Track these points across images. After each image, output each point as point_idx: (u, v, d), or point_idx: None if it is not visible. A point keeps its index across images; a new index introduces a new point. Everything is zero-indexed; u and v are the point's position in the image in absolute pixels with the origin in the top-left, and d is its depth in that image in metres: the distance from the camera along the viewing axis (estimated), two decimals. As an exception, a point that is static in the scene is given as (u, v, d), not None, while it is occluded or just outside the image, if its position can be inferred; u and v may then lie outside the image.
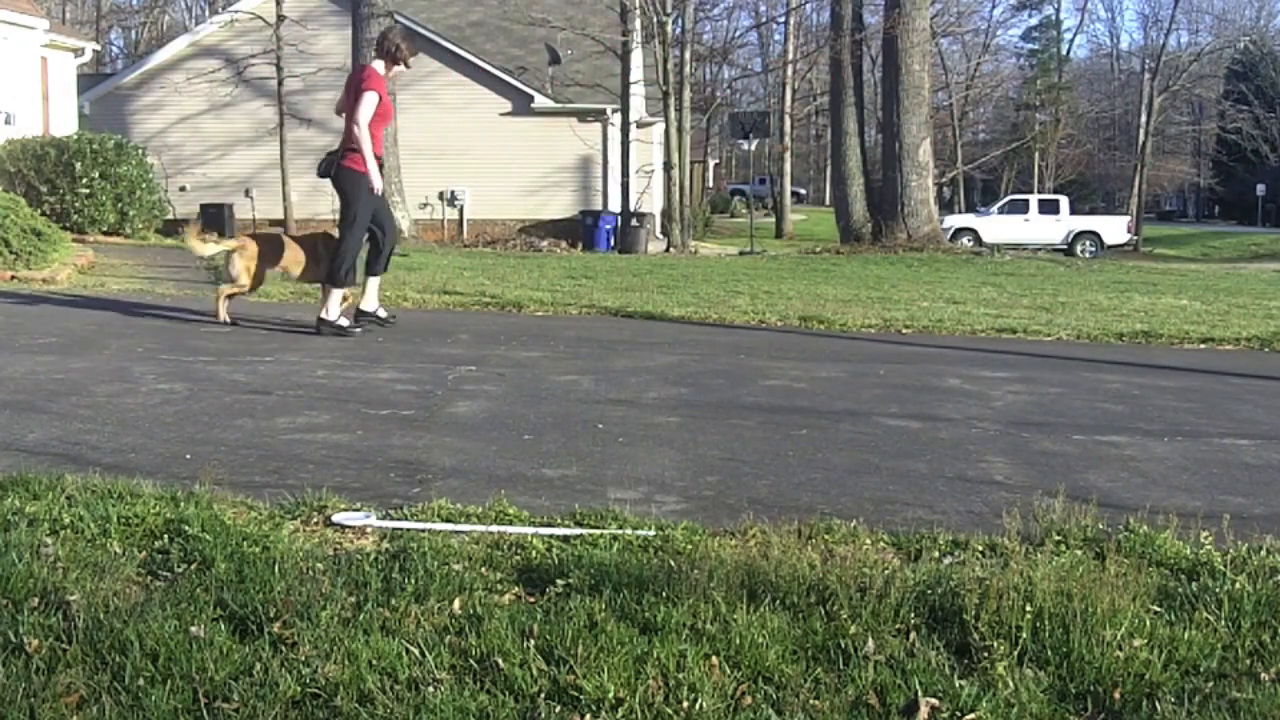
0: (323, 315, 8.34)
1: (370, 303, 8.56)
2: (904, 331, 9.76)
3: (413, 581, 3.31)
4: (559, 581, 3.37)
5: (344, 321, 8.34)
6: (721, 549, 3.64)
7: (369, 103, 7.90)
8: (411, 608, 3.16)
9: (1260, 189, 59.01)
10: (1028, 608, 3.12)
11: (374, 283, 8.59)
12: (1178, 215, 72.96)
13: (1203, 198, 70.89)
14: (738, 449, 5.25)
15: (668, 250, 24.54)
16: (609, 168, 26.22)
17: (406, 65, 8.21)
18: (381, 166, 8.20)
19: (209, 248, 9.30)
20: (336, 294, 8.31)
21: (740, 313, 10.64)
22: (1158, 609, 3.28)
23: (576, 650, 2.89)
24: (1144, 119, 47.39)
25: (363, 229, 8.19)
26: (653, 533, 3.85)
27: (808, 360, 8.00)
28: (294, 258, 8.69)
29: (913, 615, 3.19)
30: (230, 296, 8.84)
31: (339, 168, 8.06)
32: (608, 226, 24.32)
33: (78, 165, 18.60)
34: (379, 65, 8.17)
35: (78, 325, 8.80)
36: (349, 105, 8.07)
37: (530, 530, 3.87)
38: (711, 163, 57.70)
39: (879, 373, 7.52)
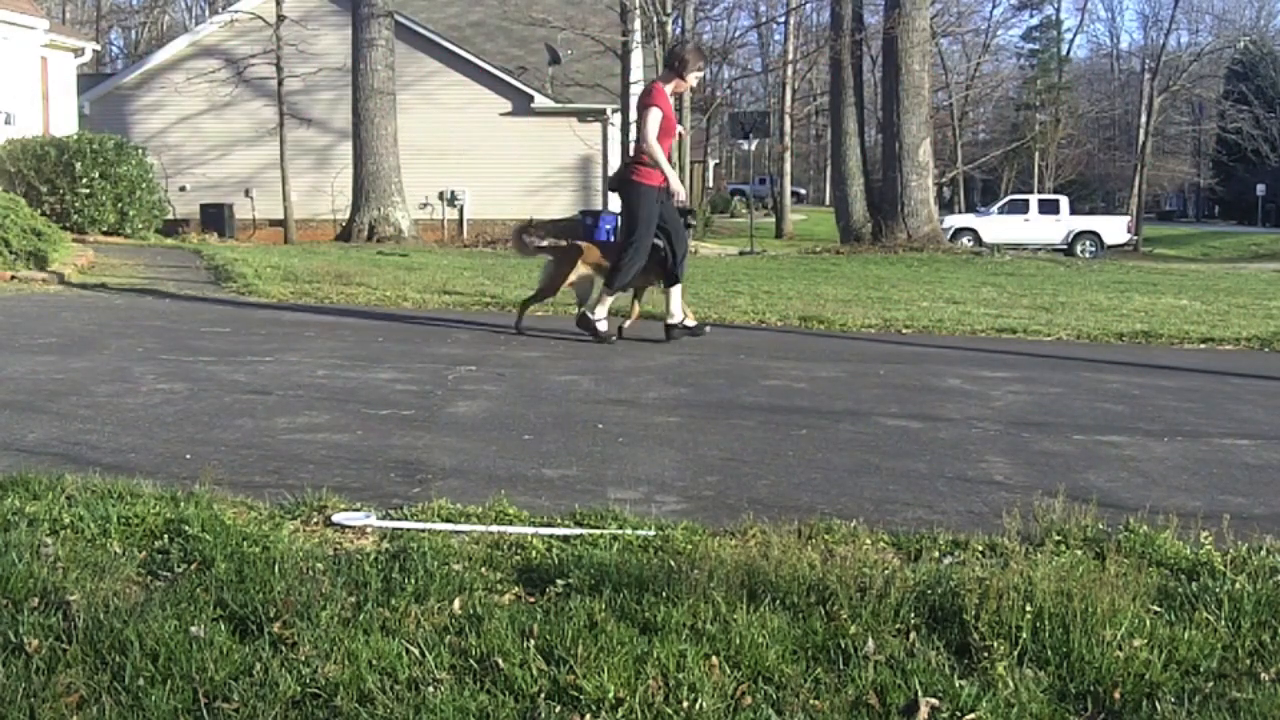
0: (586, 311, 8.37)
1: (676, 314, 8.48)
2: (904, 331, 9.76)
3: (413, 581, 3.31)
4: (559, 581, 3.37)
5: (603, 326, 8.33)
6: (721, 549, 3.64)
7: (651, 119, 8.00)
8: (411, 608, 3.16)
9: (1260, 189, 59.02)
10: (1028, 608, 3.12)
11: (675, 292, 8.47)
12: (1178, 215, 72.97)
13: (1203, 198, 70.90)
14: (738, 449, 5.25)
15: (668, 250, 24.54)
16: (609, 168, 26.23)
17: (683, 79, 8.17)
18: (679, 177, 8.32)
19: (537, 255, 9.18)
20: (608, 298, 8.35)
21: (740, 313, 10.64)
22: (1158, 609, 3.28)
23: (576, 650, 2.89)
24: (1144, 119, 47.39)
25: (646, 239, 8.15)
26: (653, 533, 3.84)
27: (808, 360, 8.00)
28: (597, 264, 8.57)
29: (913, 615, 3.18)
30: (529, 302, 8.91)
31: (625, 180, 8.17)
32: (608, 226, 24.31)
33: (78, 165, 18.62)
34: (665, 81, 8.24)
35: (78, 325, 8.81)
36: (638, 122, 8.27)
37: (530, 530, 3.87)
38: (711, 163, 57.69)
39: (879, 373, 7.52)
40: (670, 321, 8.46)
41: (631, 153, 8.20)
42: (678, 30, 27.38)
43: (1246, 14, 66.56)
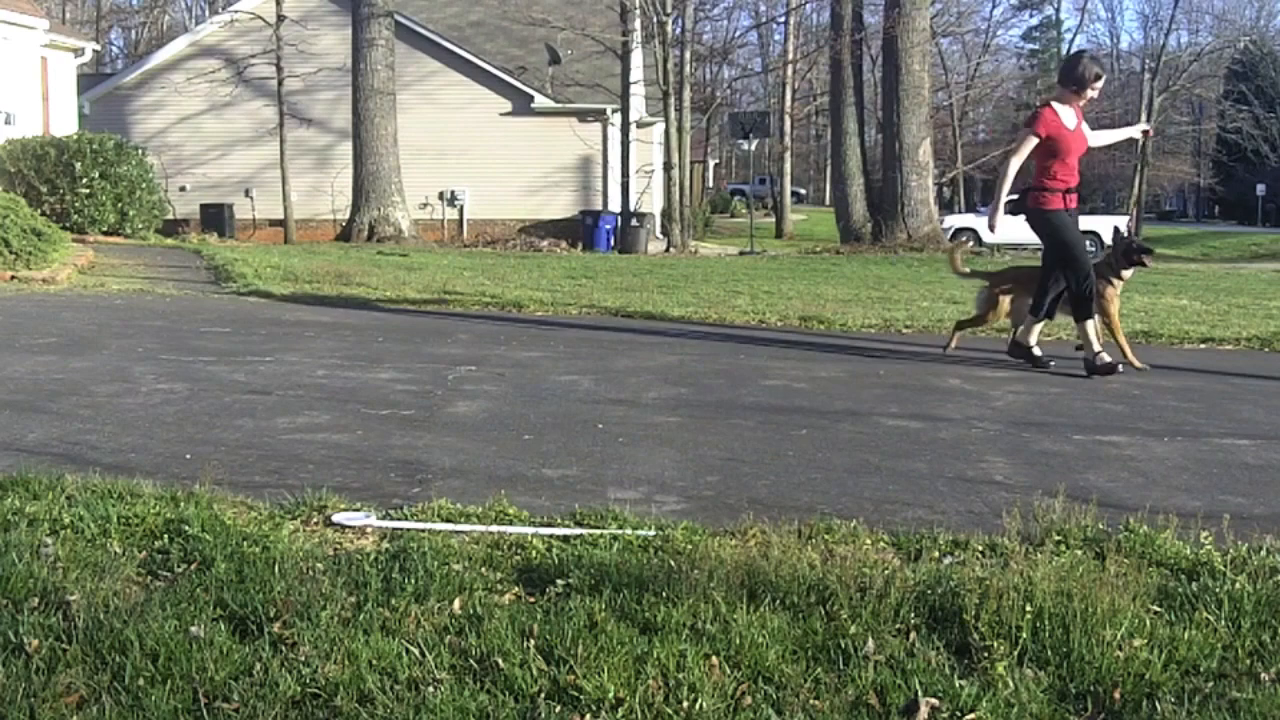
0: (1087, 357, 7.73)
1: (1031, 338, 8.00)
2: (904, 331, 9.76)
3: (413, 581, 3.31)
4: (559, 581, 3.37)
5: (1107, 356, 7.67)
6: (721, 549, 3.64)
7: (1022, 145, 7.63)
8: (411, 608, 3.16)
9: (1260, 189, 58.96)
10: (1028, 608, 3.12)
11: (1038, 324, 7.99)
12: (1178, 215, 72.91)
13: (1203, 198, 70.83)
14: (738, 449, 5.25)
15: (668, 250, 24.54)
16: (609, 168, 26.22)
17: (1076, 93, 7.58)
18: (1076, 202, 7.73)
19: (967, 270, 8.58)
20: (1089, 327, 7.71)
21: (740, 313, 10.64)
22: (1158, 609, 3.28)
23: (576, 650, 2.89)
24: (1144, 119, 47.37)
25: (1080, 258, 7.63)
26: (653, 533, 3.85)
27: (808, 360, 8.00)
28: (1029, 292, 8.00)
29: (913, 615, 3.18)
30: (963, 325, 8.45)
31: (1029, 210, 7.77)
32: (608, 226, 24.32)
33: (78, 165, 18.60)
34: (1058, 100, 7.66)
35: (78, 325, 8.80)
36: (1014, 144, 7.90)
37: (530, 530, 3.87)
38: (711, 163, 57.69)
39: (879, 373, 7.52)
40: (1019, 341, 8.03)
41: (1033, 180, 7.73)
42: (678, 30, 27.38)
43: (1246, 14, 66.48)
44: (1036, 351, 8.01)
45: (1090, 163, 60.86)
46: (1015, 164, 7.75)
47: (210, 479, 4.21)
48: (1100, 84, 7.74)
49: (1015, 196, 7.94)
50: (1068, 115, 7.64)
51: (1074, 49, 65.42)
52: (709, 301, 11.63)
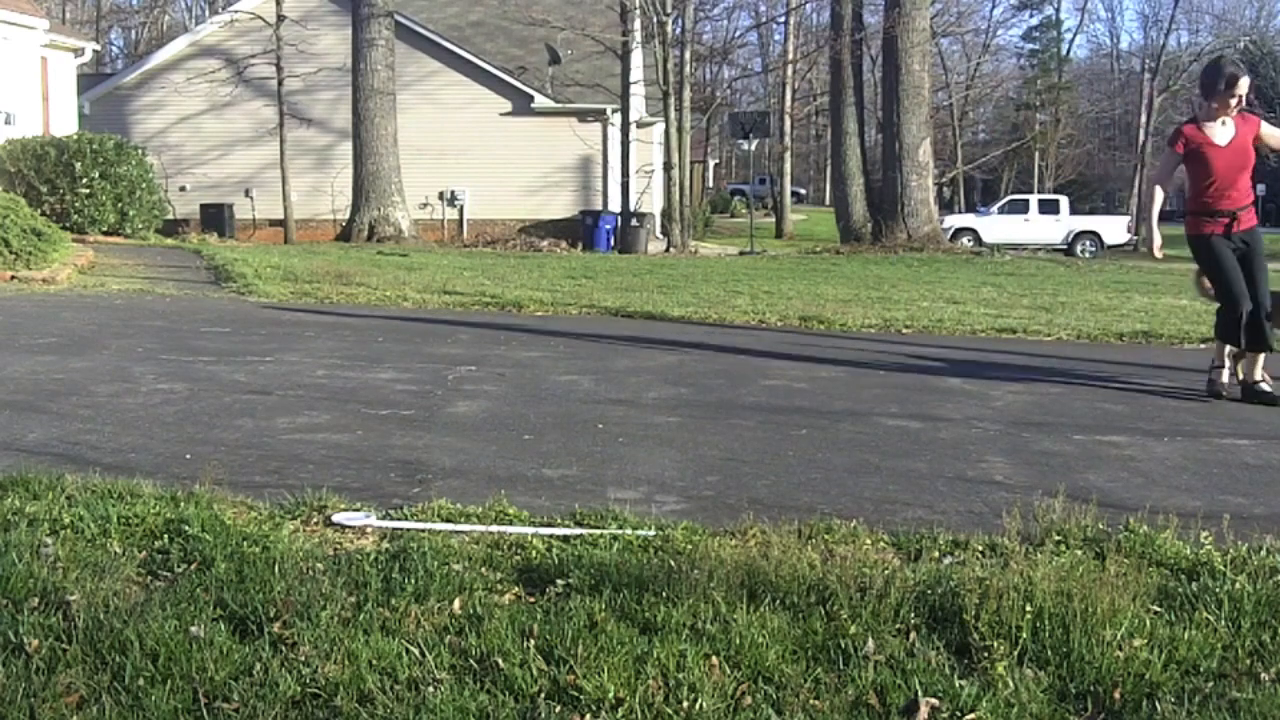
0: (1244, 378, 7.11)
1: (1254, 373, 7.04)
2: (904, 331, 9.76)
3: (413, 581, 3.31)
4: (559, 581, 3.38)
5: (1266, 386, 6.96)
6: (721, 549, 3.64)
7: (1163, 165, 7.19)
8: (411, 608, 3.16)
9: (1260, 189, 58.95)
10: (1028, 608, 3.12)
11: (1254, 356, 7.05)
12: (1178, 215, 72.90)
13: (1203, 198, 70.77)
14: (738, 449, 5.25)
15: (668, 250, 24.54)
16: (609, 168, 26.21)
17: (1224, 103, 6.89)
18: (1249, 220, 7.04)
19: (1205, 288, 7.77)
20: (1223, 352, 7.17)
21: (740, 313, 10.64)
22: (1158, 609, 3.28)
23: (576, 650, 2.89)
24: (1144, 119, 47.34)
25: (1223, 288, 6.94)
26: (653, 533, 3.85)
27: (808, 360, 8.00)
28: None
29: (913, 615, 3.19)
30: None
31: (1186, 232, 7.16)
32: (608, 226, 24.31)
33: (78, 165, 18.59)
34: (1204, 116, 7.00)
35: (78, 325, 8.80)
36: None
37: (530, 530, 3.87)
38: (711, 163, 57.70)
39: (879, 373, 7.52)
40: (1242, 378, 7.11)
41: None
42: (678, 30, 27.37)
43: (1246, 14, 66.48)
44: (1266, 386, 7.03)
45: (1090, 162, 60.83)
46: (1156, 185, 7.30)
47: (210, 479, 4.21)
48: (1241, 86, 6.96)
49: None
50: (1217, 130, 6.96)
51: (1071, 49, 65.58)
52: (709, 301, 11.63)
